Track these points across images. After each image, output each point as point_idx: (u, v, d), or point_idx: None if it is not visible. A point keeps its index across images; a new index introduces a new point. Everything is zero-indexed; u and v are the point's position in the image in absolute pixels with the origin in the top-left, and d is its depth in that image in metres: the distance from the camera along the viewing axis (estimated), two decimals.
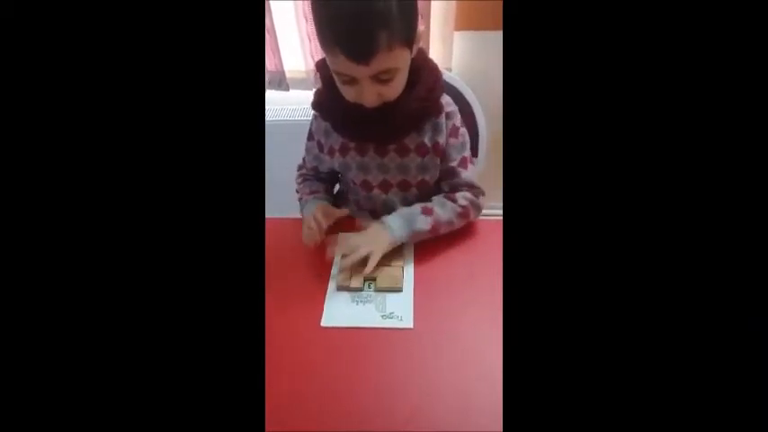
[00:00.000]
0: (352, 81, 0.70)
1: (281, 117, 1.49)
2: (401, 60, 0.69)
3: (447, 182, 0.87)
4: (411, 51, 0.71)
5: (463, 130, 0.86)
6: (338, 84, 0.73)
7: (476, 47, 1.37)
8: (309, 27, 1.33)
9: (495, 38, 1.31)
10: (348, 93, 0.73)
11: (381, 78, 0.69)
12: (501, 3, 0.45)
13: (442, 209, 0.83)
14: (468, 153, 0.87)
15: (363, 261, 0.77)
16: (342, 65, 0.67)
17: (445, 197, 0.85)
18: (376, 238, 0.79)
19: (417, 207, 0.83)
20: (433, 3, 1.26)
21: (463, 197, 0.85)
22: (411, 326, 0.73)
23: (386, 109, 0.74)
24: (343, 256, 0.80)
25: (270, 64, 1.41)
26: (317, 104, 0.84)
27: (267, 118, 1.48)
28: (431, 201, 0.85)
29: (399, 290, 0.77)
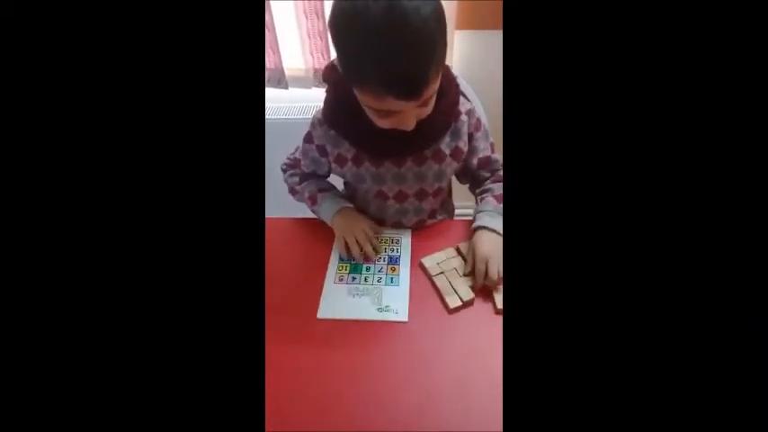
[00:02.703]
0: (390, 114, 0.67)
1: (280, 115, 1.48)
2: (439, 81, 0.67)
3: (486, 169, 0.89)
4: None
5: (482, 119, 0.87)
6: (371, 115, 0.69)
7: (477, 46, 1.37)
8: (309, 25, 1.33)
9: (496, 37, 1.31)
10: (384, 123, 0.69)
11: (424, 103, 0.67)
12: (502, 2, 0.45)
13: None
14: (491, 138, 0.88)
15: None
16: (386, 104, 0.64)
17: (495, 181, 0.87)
18: (496, 247, 0.78)
19: (491, 199, 0.84)
20: None
21: None
22: (406, 319, 0.74)
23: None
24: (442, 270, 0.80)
25: (269, 62, 1.40)
26: (332, 122, 0.80)
27: (266, 116, 1.47)
28: (489, 190, 0.86)
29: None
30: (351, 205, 0.88)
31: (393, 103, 0.64)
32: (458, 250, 0.83)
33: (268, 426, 0.50)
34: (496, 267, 0.75)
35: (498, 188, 0.86)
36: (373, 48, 0.59)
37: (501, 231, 0.80)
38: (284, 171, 0.97)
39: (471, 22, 1.31)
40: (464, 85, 1.07)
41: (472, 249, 0.79)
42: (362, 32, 0.59)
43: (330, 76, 0.76)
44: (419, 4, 0.57)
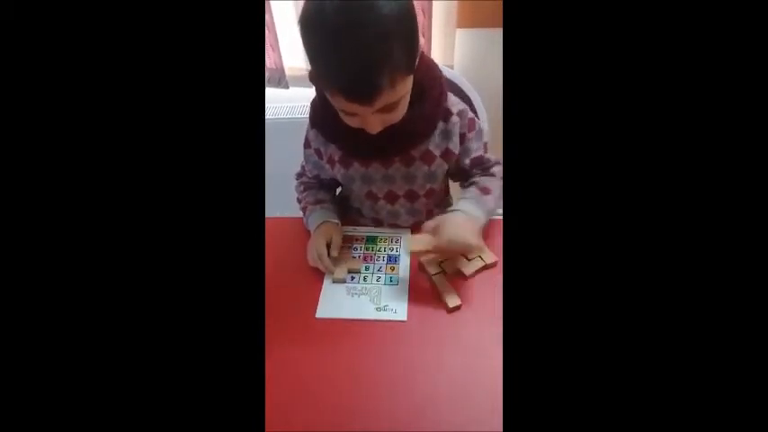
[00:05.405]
0: (354, 114, 0.67)
1: (281, 115, 1.48)
2: (404, 89, 0.66)
3: (478, 167, 0.86)
4: (413, 71, 0.67)
5: (476, 119, 0.85)
6: (339, 113, 0.69)
7: (478, 44, 1.37)
8: None
9: (498, 35, 1.31)
10: (351, 122, 0.69)
11: (385, 110, 0.66)
12: (502, 1, 0.45)
13: (492, 183, 0.83)
14: (486, 138, 0.86)
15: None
16: (343, 104, 0.64)
17: (485, 175, 0.85)
18: (468, 230, 0.74)
19: (475, 189, 0.82)
20: (434, 0, 1.26)
21: (499, 170, 0.85)
22: (405, 319, 0.74)
23: (391, 129, 0.71)
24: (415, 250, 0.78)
25: (269, 61, 1.40)
26: (316, 123, 0.81)
27: (266, 116, 1.47)
28: (475, 183, 0.84)
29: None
30: (334, 220, 0.86)
31: (347, 105, 0.64)
32: None
33: (268, 426, 0.50)
34: (475, 244, 0.74)
35: (485, 181, 0.83)
36: (324, 47, 0.59)
37: (483, 221, 0.77)
38: (296, 179, 0.97)
39: (472, 20, 1.31)
40: (465, 84, 1.08)
41: (438, 230, 0.74)
42: (317, 31, 0.59)
43: (316, 80, 0.75)
44: (378, 5, 0.56)
